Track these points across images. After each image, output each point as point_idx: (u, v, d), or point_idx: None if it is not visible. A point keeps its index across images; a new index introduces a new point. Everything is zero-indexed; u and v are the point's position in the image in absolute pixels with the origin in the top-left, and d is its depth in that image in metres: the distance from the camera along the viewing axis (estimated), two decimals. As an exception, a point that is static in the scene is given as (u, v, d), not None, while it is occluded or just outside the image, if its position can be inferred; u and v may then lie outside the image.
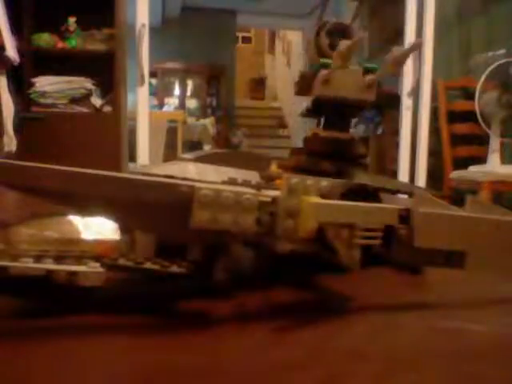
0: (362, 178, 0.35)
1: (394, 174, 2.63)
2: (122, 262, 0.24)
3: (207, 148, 4.57)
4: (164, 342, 0.22)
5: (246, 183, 0.31)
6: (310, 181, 0.27)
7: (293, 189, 0.25)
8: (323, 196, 0.26)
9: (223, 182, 0.31)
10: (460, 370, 0.20)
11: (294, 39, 7.44)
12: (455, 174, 2.36)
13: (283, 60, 8.48)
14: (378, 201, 0.31)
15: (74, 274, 0.24)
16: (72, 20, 2.34)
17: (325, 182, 0.27)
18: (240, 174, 0.35)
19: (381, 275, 0.33)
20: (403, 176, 2.33)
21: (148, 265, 0.24)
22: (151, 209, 0.24)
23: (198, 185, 0.24)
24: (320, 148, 0.42)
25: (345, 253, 0.25)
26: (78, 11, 2.36)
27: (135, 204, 0.24)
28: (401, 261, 0.27)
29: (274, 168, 0.42)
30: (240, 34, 9.03)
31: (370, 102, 0.43)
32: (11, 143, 1.94)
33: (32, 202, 0.28)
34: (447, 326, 0.25)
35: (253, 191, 0.25)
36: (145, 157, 2.11)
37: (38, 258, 0.24)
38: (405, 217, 0.26)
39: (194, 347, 0.22)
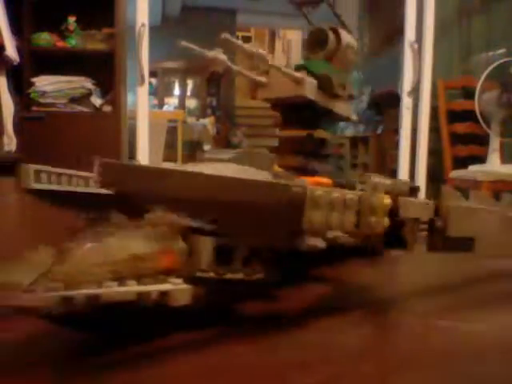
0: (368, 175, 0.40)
1: (393, 173, 2.63)
2: (203, 274, 0.24)
3: (207, 148, 4.57)
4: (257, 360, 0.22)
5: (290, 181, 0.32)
6: (377, 179, 0.31)
7: (375, 188, 0.29)
8: (388, 193, 0.28)
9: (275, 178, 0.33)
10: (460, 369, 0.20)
11: (294, 38, 7.43)
12: (455, 174, 2.35)
13: (283, 59, 8.47)
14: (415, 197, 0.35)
15: (164, 294, 0.22)
16: (72, 19, 2.34)
17: (388, 181, 0.31)
18: (259, 173, 0.36)
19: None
20: (403, 175, 2.32)
21: (231, 274, 0.24)
22: (256, 211, 0.24)
23: (308, 185, 0.25)
24: (301, 147, 0.45)
25: (412, 242, 0.28)
26: (78, 10, 2.35)
27: (240, 207, 0.24)
28: (436, 248, 0.30)
29: (276, 168, 0.43)
30: (240, 34, 9.02)
31: (305, 97, 0.44)
32: (11, 143, 1.94)
33: (61, 218, 0.27)
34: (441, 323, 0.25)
35: (352, 191, 0.27)
36: (145, 156, 2.11)
37: (120, 281, 0.22)
38: (437, 210, 0.30)
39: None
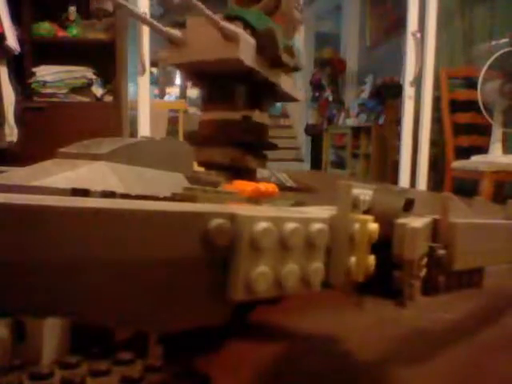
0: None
1: (395, 163, 2.62)
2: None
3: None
4: None
5: (203, 196, 0.19)
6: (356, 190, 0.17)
7: (355, 205, 0.16)
8: (368, 212, 0.17)
9: (180, 195, 0.18)
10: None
11: (296, 28, 7.39)
12: (457, 164, 2.35)
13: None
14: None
15: None
16: (72, 9, 2.33)
17: (371, 191, 0.18)
18: (164, 178, 0.24)
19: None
20: (405, 165, 2.32)
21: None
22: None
23: (240, 211, 0.13)
24: (236, 135, 0.31)
25: (409, 292, 0.18)
26: (79, 0, 2.34)
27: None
28: (437, 289, 0.19)
29: (196, 167, 0.32)
30: (241, 23, 8.98)
31: (240, 63, 0.29)
32: (12, 133, 1.94)
33: None
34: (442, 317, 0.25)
35: (317, 214, 0.16)
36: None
37: None
38: (435, 232, 0.19)
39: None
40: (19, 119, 2.01)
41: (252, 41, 0.29)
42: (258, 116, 0.32)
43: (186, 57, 0.29)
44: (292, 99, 0.36)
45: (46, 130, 2.19)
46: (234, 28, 0.28)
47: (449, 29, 2.83)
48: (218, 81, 0.31)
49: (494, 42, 2.29)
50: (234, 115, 0.31)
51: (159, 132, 3.11)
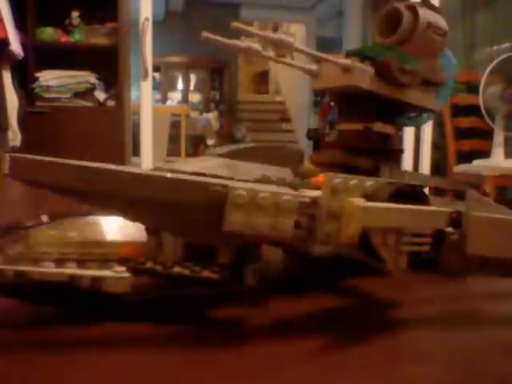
0: (399, 176, 0.35)
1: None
2: (149, 265, 0.23)
3: (211, 142, 4.56)
4: (189, 357, 0.21)
5: (280, 181, 0.28)
6: (353, 180, 0.24)
7: (335, 189, 0.23)
8: (368, 197, 0.24)
9: (256, 180, 0.27)
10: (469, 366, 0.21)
11: (298, 32, 7.40)
12: (459, 168, 2.35)
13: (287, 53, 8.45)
14: (427, 203, 0.28)
15: (98, 279, 0.22)
16: (75, 14, 2.34)
17: (369, 182, 0.24)
18: (272, 171, 0.33)
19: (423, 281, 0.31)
20: (407, 169, 2.32)
21: (177, 269, 0.23)
22: (180, 209, 0.22)
23: (232, 184, 0.22)
24: (357, 142, 0.39)
25: (391, 260, 0.23)
26: (82, 5, 2.35)
27: (162, 204, 0.22)
28: (450, 268, 0.26)
29: (307, 164, 0.40)
30: (243, 28, 8.97)
31: (359, 87, 0.38)
32: (16, 138, 1.95)
33: (50, 200, 0.28)
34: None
35: (291, 191, 0.23)
36: (148, 151, 2.11)
37: (60, 262, 0.23)
38: (456, 221, 0.24)
39: (220, 363, 0.21)
40: (22, 124, 2.02)
41: (369, 69, 0.37)
42: (379, 126, 0.39)
43: (320, 84, 0.41)
44: (425, 110, 0.43)
45: (48, 135, 2.20)
46: (349, 62, 0.37)
47: (450, 33, 2.83)
48: (345, 99, 0.41)
49: (495, 47, 2.30)
50: (357, 126, 0.39)
51: (161, 136, 3.11)
